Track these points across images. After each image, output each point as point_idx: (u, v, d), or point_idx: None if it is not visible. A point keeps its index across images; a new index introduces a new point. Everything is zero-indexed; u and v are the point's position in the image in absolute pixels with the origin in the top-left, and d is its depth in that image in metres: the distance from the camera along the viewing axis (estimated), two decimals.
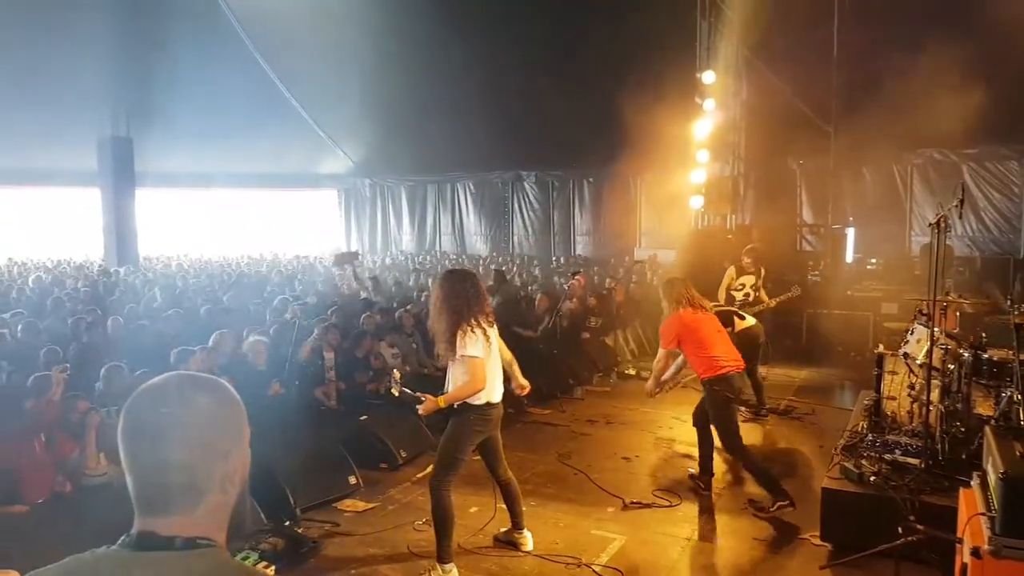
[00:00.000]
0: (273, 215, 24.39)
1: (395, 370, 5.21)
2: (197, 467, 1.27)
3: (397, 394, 4.75)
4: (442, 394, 4.61)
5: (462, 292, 4.56)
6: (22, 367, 6.08)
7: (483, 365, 4.48)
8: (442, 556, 4.53)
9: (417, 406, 4.63)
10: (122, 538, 1.27)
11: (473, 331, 4.47)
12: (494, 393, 4.63)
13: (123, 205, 16.74)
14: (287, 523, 5.14)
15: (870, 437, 5.32)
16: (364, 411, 7.02)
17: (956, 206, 4.92)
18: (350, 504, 5.69)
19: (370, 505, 5.69)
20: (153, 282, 12.99)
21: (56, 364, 6.15)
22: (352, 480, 5.93)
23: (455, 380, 4.58)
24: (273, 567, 4.58)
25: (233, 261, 18.35)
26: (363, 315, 8.89)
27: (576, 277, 10.97)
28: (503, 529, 5.07)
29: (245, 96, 18.43)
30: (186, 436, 1.26)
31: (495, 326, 4.71)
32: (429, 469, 4.73)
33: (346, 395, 7.49)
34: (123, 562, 1.24)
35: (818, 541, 4.87)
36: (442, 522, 4.54)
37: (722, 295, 8.58)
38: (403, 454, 6.54)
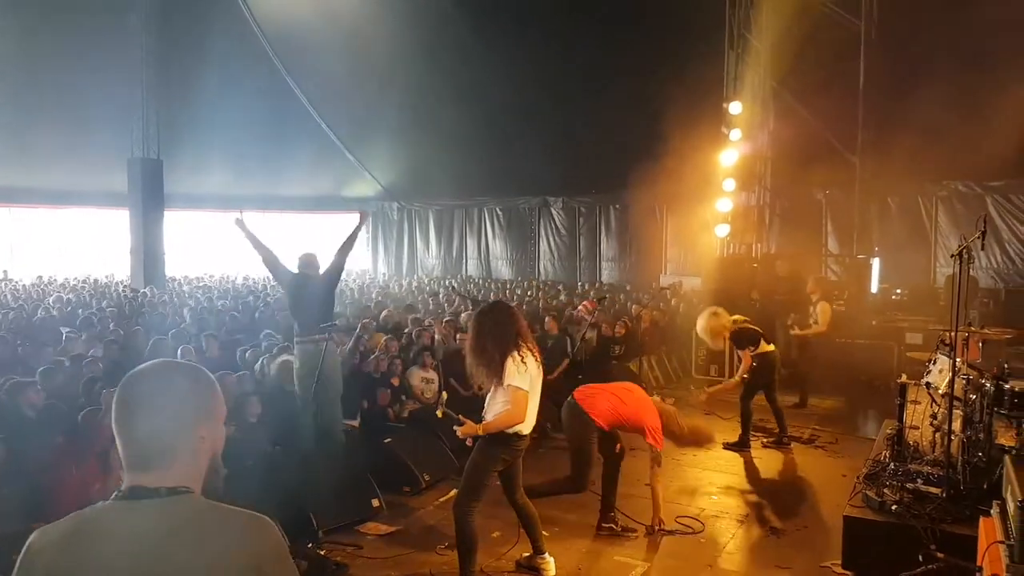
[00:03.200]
0: (300, 238, 24.70)
1: (443, 392, 5.30)
2: (169, 434, 1.56)
3: (441, 415, 4.81)
4: (481, 419, 4.63)
5: (504, 323, 4.58)
6: (56, 390, 6.18)
7: (527, 398, 4.49)
8: None
9: (456, 427, 4.67)
10: (115, 493, 1.56)
11: (523, 361, 4.49)
12: (526, 425, 4.64)
13: (151, 226, 16.98)
14: (310, 545, 5.20)
15: (892, 466, 5.32)
16: (387, 434, 7.06)
17: (978, 237, 4.97)
18: (373, 527, 5.73)
19: (393, 528, 5.72)
20: (176, 303, 13.22)
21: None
22: (375, 503, 5.96)
23: (495, 408, 4.58)
24: None
25: (258, 283, 18.61)
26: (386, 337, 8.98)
27: (584, 303, 11.05)
28: (525, 554, 5.09)
29: (275, 120, 18.80)
30: (162, 410, 1.56)
31: (538, 356, 4.72)
32: (452, 494, 4.79)
33: (368, 417, 7.56)
34: (119, 509, 1.54)
35: (840, 569, 4.87)
36: (465, 547, 4.59)
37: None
38: (426, 478, 6.58)
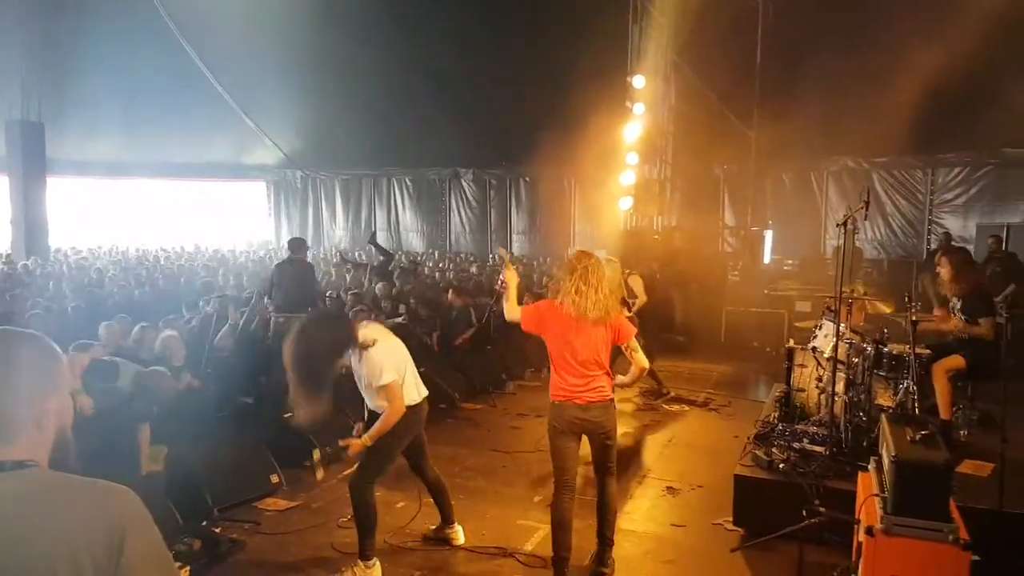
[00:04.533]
0: (196, 206, 23.65)
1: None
2: (10, 407, 1.47)
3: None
4: (365, 432, 4.43)
5: (330, 331, 4.28)
6: None
7: (400, 386, 4.34)
8: (364, 553, 4.50)
9: (344, 452, 4.52)
10: None
11: (376, 353, 4.27)
12: (414, 393, 4.53)
13: (33, 194, 15.99)
14: (204, 523, 5.08)
15: (780, 427, 5.58)
16: (288, 408, 6.91)
17: (862, 208, 5.21)
18: (272, 503, 5.61)
19: (293, 504, 5.62)
20: (61, 275, 12.53)
21: None
22: (274, 479, 5.83)
23: (375, 405, 4.46)
24: (188, 568, 4.50)
25: (150, 254, 17.79)
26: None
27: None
28: (433, 526, 5.06)
29: (168, 82, 17.80)
30: (1, 381, 1.46)
31: (380, 323, 4.63)
32: (356, 467, 4.69)
33: (268, 392, 7.33)
34: None
35: (731, 526, 5.08)
36: (365, 521, 4.49)
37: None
38: (328, 451, 6.45)
